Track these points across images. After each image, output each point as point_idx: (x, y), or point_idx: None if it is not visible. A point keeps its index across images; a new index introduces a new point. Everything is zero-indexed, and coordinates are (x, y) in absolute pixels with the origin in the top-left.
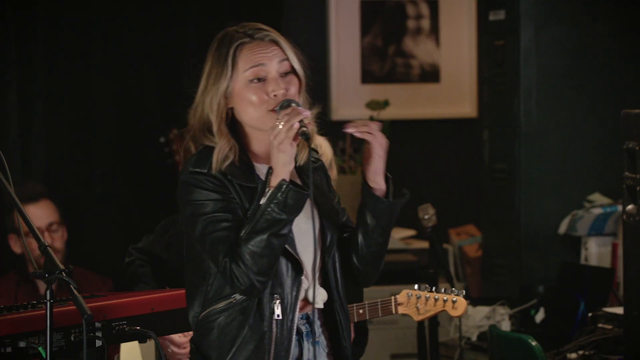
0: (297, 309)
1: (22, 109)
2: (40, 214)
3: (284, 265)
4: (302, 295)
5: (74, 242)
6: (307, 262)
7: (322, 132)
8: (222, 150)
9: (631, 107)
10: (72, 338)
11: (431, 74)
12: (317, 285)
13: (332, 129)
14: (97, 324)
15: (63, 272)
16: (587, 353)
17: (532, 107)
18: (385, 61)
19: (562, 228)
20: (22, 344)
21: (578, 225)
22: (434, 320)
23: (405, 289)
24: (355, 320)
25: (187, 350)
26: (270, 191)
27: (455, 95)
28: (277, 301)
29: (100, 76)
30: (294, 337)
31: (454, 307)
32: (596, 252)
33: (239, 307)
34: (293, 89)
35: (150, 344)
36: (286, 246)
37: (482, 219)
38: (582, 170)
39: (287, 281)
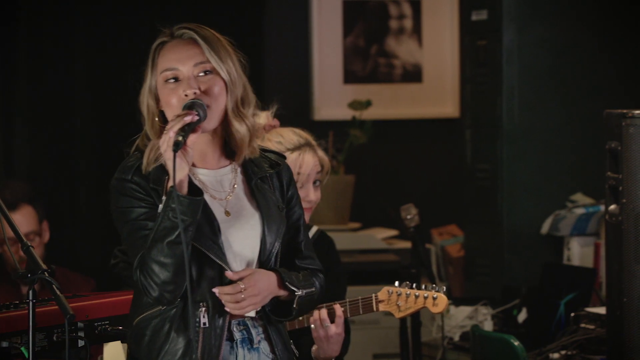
0: (226, 317)
1: (5, 111)
2: (20, 222)
3: (210, 272)
4: None
5: (57, 242)
6: (238, 269)
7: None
8: (154, 149)
9: (613, 107)
10: (55, 338)
11: (414, 74)
12: None
13: (314, 128)
14: (80, 324)
15: (45, 272)
16: (569, 353)
17: (515, 107)
18: (367, 61)
19: (545, 228)
20: (4, 344)
21: (560, 225)
22: (416, 320)
23: (386, 286)
24: None
25: None
26: (164, 199)
27: (437, 95)
28: (203, 309)
29: (83, 78)
30: (224, 344)
31: (435, 303)
32: (579, 252)
33: (167, 315)
34: (216, 89)
35: None
36: (211, 255)
37: (464, 219)
38: (564, 170)
39: (215, 289)
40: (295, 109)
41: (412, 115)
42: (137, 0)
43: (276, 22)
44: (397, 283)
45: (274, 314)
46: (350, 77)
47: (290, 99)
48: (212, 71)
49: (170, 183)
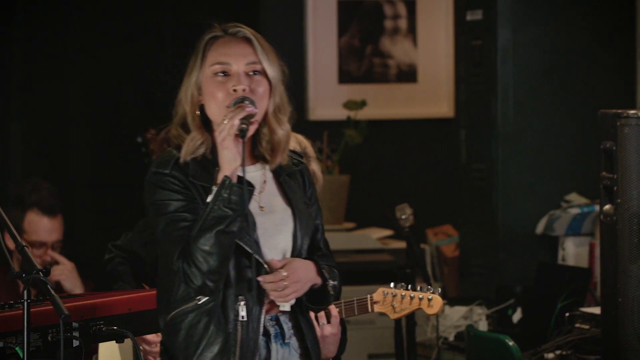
0: (263, 311)
1: (0, 114)
2: (53, 229)
3: (249, 269)
4: (268, 297)
5: None
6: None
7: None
8: (194, 140)
9: (608, 107)
10: (50, 338)
11: (408, 74)
12: None
13: (309, 129)
14: (75, 324)
15: (40, 272)
16: (564, 353)
17: (510, 107)
18: (362, 61)
19: (540, 228)
20: None
21: (555, 225)
22: (411, 320)
23: (382, 287)
24: None
25: (158, 348)
26: (215, 189)
27: (432, 95)
28: (242, 303)
29: (78, 77)
30: (260, 338)
31: (430, 305)
32: (573, 252)
33: (205, 309)
34: (260, 89)
35: (128, 343)
36: (248, 249)
37: (459, 219)
38: (559, 170)
39: (253, 283)
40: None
41: (407, 115)
42: (131, 4)
43: (271, 22)
44: (392, 284)
45: (311, 302)
46: (345, 77)
47: None
48: (261, 72)
49: (223, 172)
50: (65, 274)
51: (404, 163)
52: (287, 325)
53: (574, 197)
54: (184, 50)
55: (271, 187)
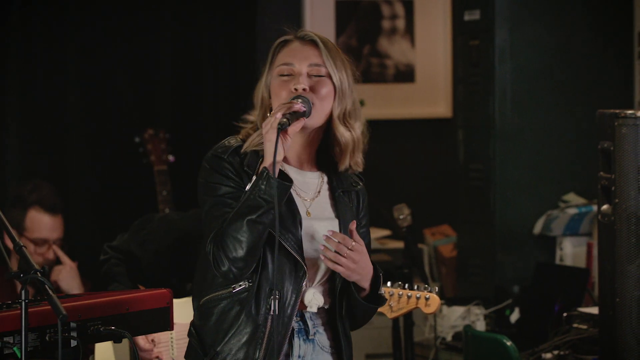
0: (295, 309)
1: None
2: (55, 227)
3: (287, 266)
4: (300, 297)
5: None
6: (314, 267)
7: None
8: (260, 135)
9: (606, 108)
10: (47, 338)
11: (406, 74)
12: (315, 291)
13: None
14: (72, 324)
15: (38, 272)
16: (562, 353)
17: (507, 107)
18: (360, 61)
19: (537, 228)
20: None
21: (553, 226)
22: (409, 320)
23: None
24: None
25: (152, 351)
26: (255, 178)
27: (430, 95)
28: (275, 297)
29: (77, 77)
30: (288, 334)
31: (427, 304)
32: (571, 252)
33: (238, 298)
34: (323, 90)
35: (125, 344)
36: (287, 247)
37: (457, 219)
38: (557, 170)
39: (289, 281)
40: None
41: (404, 115)
42: (131, 3)
43: (269, 22)
44: (389, 283)
45: (368, 301)
46: None
47: None
48: (325, 75)
49: (264, 164)
50: (64, 274)
51: (401, 163)
52: (312, 322)
53: (571, 197)
54: (179, 50)
55: (324, 198)
